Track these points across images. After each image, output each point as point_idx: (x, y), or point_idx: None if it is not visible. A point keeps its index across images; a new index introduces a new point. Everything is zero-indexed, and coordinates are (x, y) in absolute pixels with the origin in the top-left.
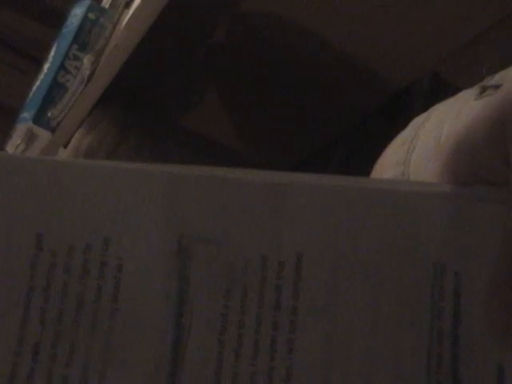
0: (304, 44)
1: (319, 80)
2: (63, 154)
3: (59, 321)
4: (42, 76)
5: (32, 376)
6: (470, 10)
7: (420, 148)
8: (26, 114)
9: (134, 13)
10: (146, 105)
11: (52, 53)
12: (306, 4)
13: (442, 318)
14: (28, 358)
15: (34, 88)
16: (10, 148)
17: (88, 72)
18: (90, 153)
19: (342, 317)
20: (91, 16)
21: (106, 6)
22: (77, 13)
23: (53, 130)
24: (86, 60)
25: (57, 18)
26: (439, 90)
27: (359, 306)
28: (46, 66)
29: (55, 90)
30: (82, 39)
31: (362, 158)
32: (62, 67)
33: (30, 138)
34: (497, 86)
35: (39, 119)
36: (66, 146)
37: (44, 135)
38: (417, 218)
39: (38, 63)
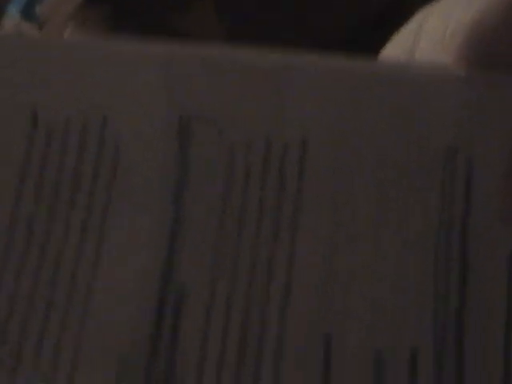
0: None
1: None
2: None
3: (55, 198)
4: None
5: (27, 250)
6: None
7: (426, 40)
8: (13, 10)
9: None
10: (136, 2)
11: None
12: None
13: (451, 205)
14: (22, 234)
15: None
16: None
17: None
18: None
19: (347, 203)
20: None
21: None
22: None
23: (40, 27)
24: None
25: None
26: None
27: (364, 192)
28: None
29: None
30: None
31: None
32: None
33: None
34: None
35: (26, 15)
36: None
37: (31, 31)
38: (429, 100)
39: None
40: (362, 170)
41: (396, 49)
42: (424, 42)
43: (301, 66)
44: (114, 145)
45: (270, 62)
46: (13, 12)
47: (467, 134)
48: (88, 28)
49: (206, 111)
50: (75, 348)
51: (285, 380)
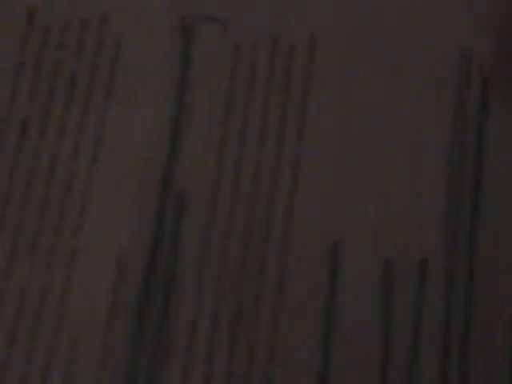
0: None
1: None
2: None
3: (49, 96)
4: None
5: (21, 148)
6: None
7: None
8: None
9: None
10: None
11: None
12: None
13: (466, 107)
14: (16, 133)
15: None
16: None
17: None
18: None
19: (357, 92)
20: None
21: None
22: None
23: None
24: None
25: None
26: None
27: (376, 80)
28: None
29: None
30: None
31: None
32: None
33: None
34: None
35: None
36: None
37: None
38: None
39: None
40: (375, 59)
41: None
42: None
43: None
44: (114, 42)
45: None
46: None
47: (483, 35)
48: None
49: (211, 10)
50: (74, 240)
51: (289, 288)
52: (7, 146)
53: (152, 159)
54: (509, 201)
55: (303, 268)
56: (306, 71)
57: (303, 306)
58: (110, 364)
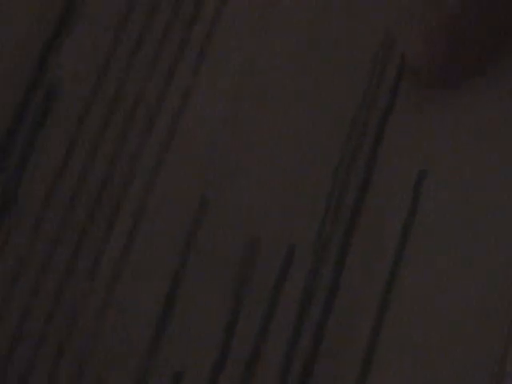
0: None
1: None
2: None
3: None
4: None
5: None
6: None
7: None
8: None
9: None
10: None
11: None
12: None
13: (375, 100)
14: None
15: None
16: None
17: None
18: None
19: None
20: None
21: None
22: None
23: None
24: None
25: None
26: None
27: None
28: None
29: None
30: None
31: None
32: None
33: None
34: None
35: None
36: None
37: None
38: None
39: None
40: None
41: None
42: None
43: None
44: None
45: None
46: None
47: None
48: None
49: None
50: None
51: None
52: None
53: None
54: (394, 199)
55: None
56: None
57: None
58: None
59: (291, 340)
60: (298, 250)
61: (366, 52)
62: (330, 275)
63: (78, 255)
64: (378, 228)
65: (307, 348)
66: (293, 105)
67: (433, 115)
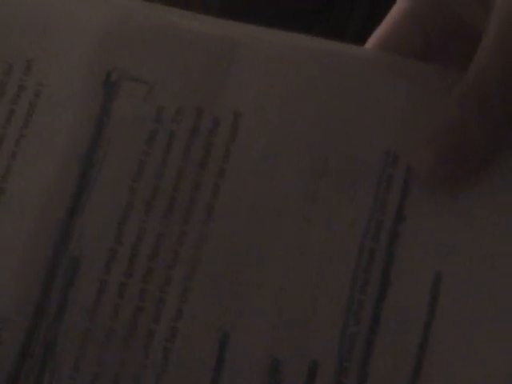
0: None
1: None
2: None
3: None
4: None
5: None
6: None
7: None
8: None
9: None
10: None
11: None
12: None
13: (383, 211)
14: None
15: None
16: None
17: None
18: None
19: (274, 185)
20: None
21: None
22: None
23: None
24: None
25: None
26: None
27: (294, 178)
28: None
29: None
30: None
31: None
32: None
33: None
34: None
35: None
36: None
37: None
38: (372, 97)
39: None
40: (292, 159)
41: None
42: None
43: (248, 40)
44: (34, 90)
45: (217, 31)
46: None
47: (408, 140)
48: None
49: (140, 69)
50: None
51: (173, 372)
52: None
53: (51, 213)
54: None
55: (187, 361)
56: (227, 148)
57: None
58: None
59: None
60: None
61: (371, 171)
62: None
63: None
64: (399, 331)
65: None
66: (304, 223)
67: (445, 215)
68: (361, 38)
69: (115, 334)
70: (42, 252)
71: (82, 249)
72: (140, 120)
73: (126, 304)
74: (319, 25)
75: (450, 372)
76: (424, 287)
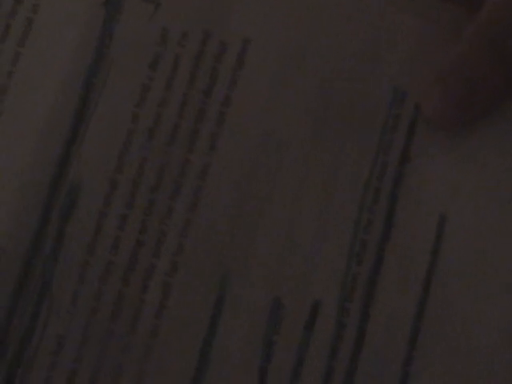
0: None
1: None
2: None
3: None
4: None
5: None
6: None
7: None
8: None
9: None
10: None
11: None
12: None
13: (389, 152)
14: None
15: None
16: None
17: None
18: None
19: (281, 116)
20: None
21: None
22: None
23: None
24: None
25: None
26: None
27: (302, 110)
28: None
29: None
30: None
31: None
32: None
33: None
34: None
35: None
36: None
37: None
38: (380, 35)
39: None
40: (300, 90)
41: None
42: None
43: None
44: (31, 4)
45: None
46: None
47: (417, 78)
48: None
49: None
50: None
51: (173, 307)
52: None
53: (50, 139)
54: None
55: (188, 296)
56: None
57: (181, 338)
58: None
59: None
60: (322, 305)
61: (378, 109)
62: (357, 324)
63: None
64: (402, 272)
65: None
66: (309, 158)
67: (450, 157)
68: None
69: (114, 268)
70: (40, 179)
71: (81, 178)
72: (144, 42)
73: (126, 237)
74: None
75: (453, 313)
76: (428, 229)
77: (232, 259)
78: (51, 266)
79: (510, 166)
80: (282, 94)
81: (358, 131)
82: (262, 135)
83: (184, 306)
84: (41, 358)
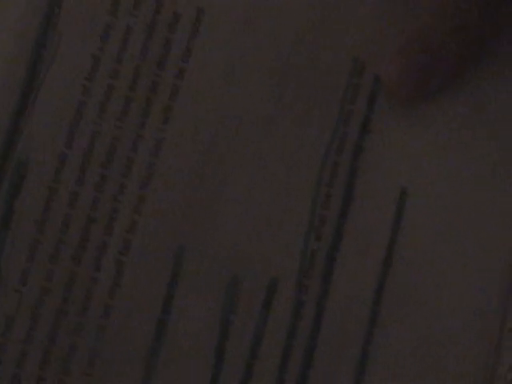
0: None
1: None
2: None
3: None
4: None
5: None
6: None
7: None
8: None
9: None
10: None
11: None
12: None
13: (348, 123)
14: None
15: None
16: None
17: None
18: None
19: (238, 87)
20: None
21: None
22: None
23: None
24: None
25: None
26: None
27: (259, 80)
28: None
29: None
30: None
31: None
32: None
33: None
34: None
35: None
36: None
37: None
38: (340, 5)
39: None
40: (256, 60)
41: None
42: None
43: None
44: None
45: None
46: None
47: (378, 50)
48: None
49: None
50: None
51: (126, 286)
52: None
53: None
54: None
55: (141, 275)
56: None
57: (135, 317)
58: None
59: (280, 367)
60: (280, 282)
61: (338, 80)
62: (316, 301)
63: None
64: (362, 248)
65: (297, 370)
66: (267, 132)
67: (411, 130)
68: None
69: (65, 247)
70: None
71: (30, 152)
72: (94, 12)
73: (77, 214)
74: None
75: (413, 290)
76: (389, 203)
77: (187, 236)
78: None
79: (471, 140)
80: (239, 65)
81: (318, 102)
82: (219, 109)
83: (137, 285)
84: None
